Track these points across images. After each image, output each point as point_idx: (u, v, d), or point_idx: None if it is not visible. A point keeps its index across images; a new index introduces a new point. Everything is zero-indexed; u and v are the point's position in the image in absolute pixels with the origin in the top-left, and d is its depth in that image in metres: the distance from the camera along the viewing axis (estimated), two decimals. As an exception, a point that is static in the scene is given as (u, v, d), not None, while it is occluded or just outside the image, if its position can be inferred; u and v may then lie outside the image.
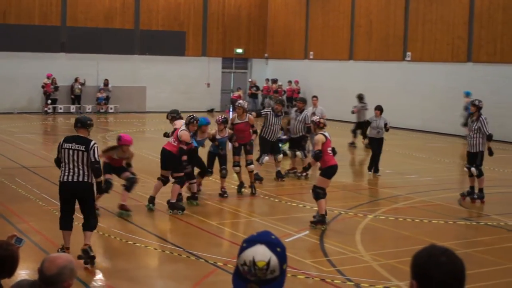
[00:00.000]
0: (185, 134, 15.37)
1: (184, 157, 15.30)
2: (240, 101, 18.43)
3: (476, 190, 17.75)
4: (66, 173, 11.35)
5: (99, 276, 11.24)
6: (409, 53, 37.22)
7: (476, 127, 17.47)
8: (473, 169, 17.57)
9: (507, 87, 31.54)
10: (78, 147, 11.29)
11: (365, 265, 12.11)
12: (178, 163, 15.37)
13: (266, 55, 47.39)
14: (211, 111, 44.71)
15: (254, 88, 44.61)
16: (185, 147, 15.32)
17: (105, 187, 13.11)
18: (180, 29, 44.17)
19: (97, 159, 11.35)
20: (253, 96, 44.50)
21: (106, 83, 41.34)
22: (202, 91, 44.74)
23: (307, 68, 43.91)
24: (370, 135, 21.89)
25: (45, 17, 40.13)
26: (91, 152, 11.25)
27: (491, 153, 17.55)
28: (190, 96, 43.88)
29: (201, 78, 44.86)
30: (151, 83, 43.15)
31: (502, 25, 32.54)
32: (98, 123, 36.77)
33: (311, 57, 43.99)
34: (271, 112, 19.66)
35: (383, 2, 38.64)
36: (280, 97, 20.85)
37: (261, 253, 3.47)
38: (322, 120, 15.09)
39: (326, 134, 14.70)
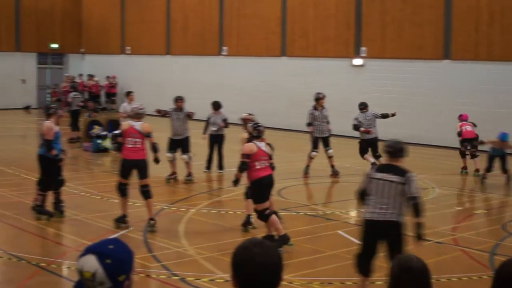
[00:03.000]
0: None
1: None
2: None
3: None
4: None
5: None
6: (225, 48, 37.72)
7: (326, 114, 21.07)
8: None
9: (320, 80, 32.49)
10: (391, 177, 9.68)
11: (189, 259, 12.22)
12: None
13: (82, 50, 46.67)
14: (27, 108, 43.67)
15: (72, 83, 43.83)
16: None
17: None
18: (-9, 24, 42.83)
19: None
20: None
21: None
22: (17, 88, 43.53)
23: (124, 63, 43.63)
24: (210, 132, 21.06)
25: None
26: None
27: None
28: (5, 93, 42.62)
29: (16, 74, 43.61)
30: (-37, 80, 41.61)
31: (313, 20, 33.54)
32: None
33: (128, 52, 43.74)
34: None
35: (198, -3, 39.03)
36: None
37: (89, 264, 3.45)
38: (250, 117, 14.97)
39: None
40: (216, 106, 21.14)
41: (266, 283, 3.51)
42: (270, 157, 13.18)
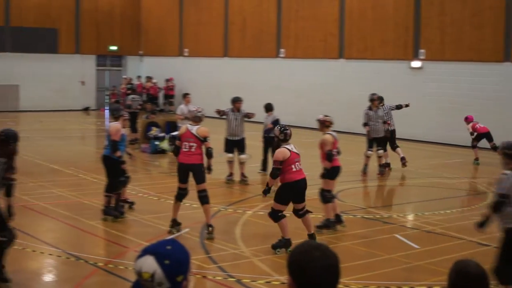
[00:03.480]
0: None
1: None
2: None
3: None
4: None
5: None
6: (282, 50, 37.69)
7: (381, 115, 21.49)
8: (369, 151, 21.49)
9: (378, 82, 32.28)
10: None
11: (246, 261, 12.24)
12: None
13: (141, 52, 47.09)
14: (86, 109, 44.19)
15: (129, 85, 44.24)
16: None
17: None
18: (52, 26, 43.38)
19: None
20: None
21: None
22: (76, 89, 44.13)
23: (182, 65, 43.88)
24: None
25: None
26: None
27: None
28: (65, 95, 43.23)
29: (75, 76, 44.21)
30: (25, 82, 42.23)
31: (372, 22, 33.33)
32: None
33: (186, 54, 43.97)
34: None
35: (256, 0, 39.03)
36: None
37: (147, 265, 3.47)
38: (328, 119, 14.61)
39: (334, 134, 14.43)
40: (267, 108, 21.16)
41: (326, 285, 3.50)
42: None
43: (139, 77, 44.31)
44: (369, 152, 21.49)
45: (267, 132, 20.80)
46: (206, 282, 11.15)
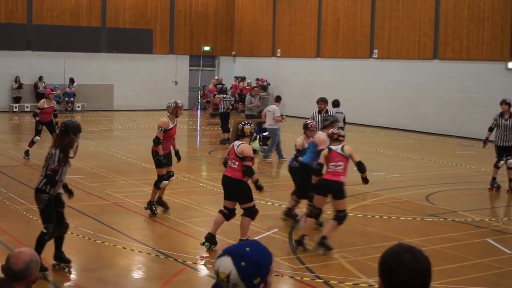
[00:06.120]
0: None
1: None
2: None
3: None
4: None
5: (68, 276, 11.16)
6: (376, 51, 37.37)
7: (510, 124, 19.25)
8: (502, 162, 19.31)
9: (473, 84, 31.77)
10: None
11: (334, 262, 12.14)
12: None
13: (233, 52, 47.35)
14: (178, 109, 44.62)
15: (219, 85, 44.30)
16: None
17: None
18: (147, 27, 44.00)
19: None
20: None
21: (72, 81, 40.87)
22: (169, 89, 44.59)
23: (274, 65, 43.93)
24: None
25: (11, 14, 39.78)
26: None
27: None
28: (158, 94, 43.77)
29: (169, 75, 44.73)
30: (119, 81, 42.98)
31: (467, 22, 32.76)
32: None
33: (278, 54, 44.01)
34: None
35: (350, 0, 38.79)
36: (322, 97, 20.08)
37: (224, 265, 3.48)
38: (336, 131, 13.11)
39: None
40: (334, 103, 23.05)
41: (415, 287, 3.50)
42: (242, 159, 12.29)
43: (237, 77, 44.56)
44: (501, 162, 19.37)
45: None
46: (293, 283, 11.09)
